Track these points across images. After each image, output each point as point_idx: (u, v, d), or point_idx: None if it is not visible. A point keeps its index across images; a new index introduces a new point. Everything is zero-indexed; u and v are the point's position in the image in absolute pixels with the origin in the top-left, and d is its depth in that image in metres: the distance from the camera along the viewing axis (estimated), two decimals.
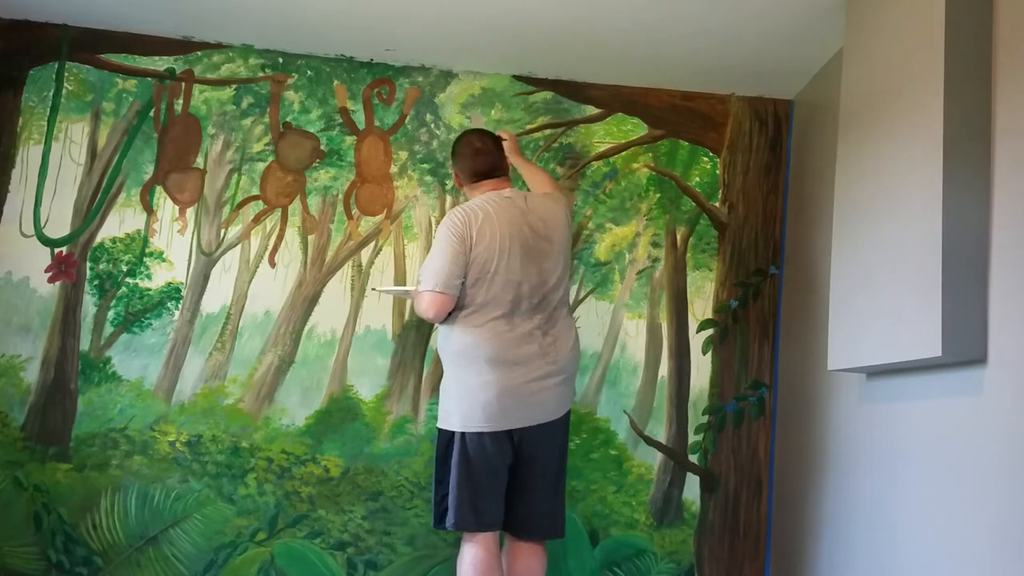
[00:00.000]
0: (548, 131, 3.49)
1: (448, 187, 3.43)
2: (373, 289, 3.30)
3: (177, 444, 3.22)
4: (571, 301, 3.39)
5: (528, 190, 2.95)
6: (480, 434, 2.57)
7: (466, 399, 2.59)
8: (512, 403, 2.57)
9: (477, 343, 2.60)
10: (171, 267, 3.32)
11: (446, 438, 2.64)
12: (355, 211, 3.41)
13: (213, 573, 3.16)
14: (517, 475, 2.65)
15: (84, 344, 3.24)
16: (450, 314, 2.66)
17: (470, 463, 2.57)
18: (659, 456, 3.36)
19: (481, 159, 2.82)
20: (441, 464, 2.65)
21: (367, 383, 3.32)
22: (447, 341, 2.68)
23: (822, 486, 2.87)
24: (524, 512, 2.63)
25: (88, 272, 3.28)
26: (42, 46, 3.34)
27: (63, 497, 3.14)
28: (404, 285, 3.36)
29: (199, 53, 3.41)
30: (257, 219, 3.38)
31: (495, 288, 2.62)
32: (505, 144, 3.06)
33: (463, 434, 2.59)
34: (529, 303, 2.64)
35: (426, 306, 2.63)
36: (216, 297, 3.32)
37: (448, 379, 2.68)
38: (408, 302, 3.35)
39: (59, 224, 3.29)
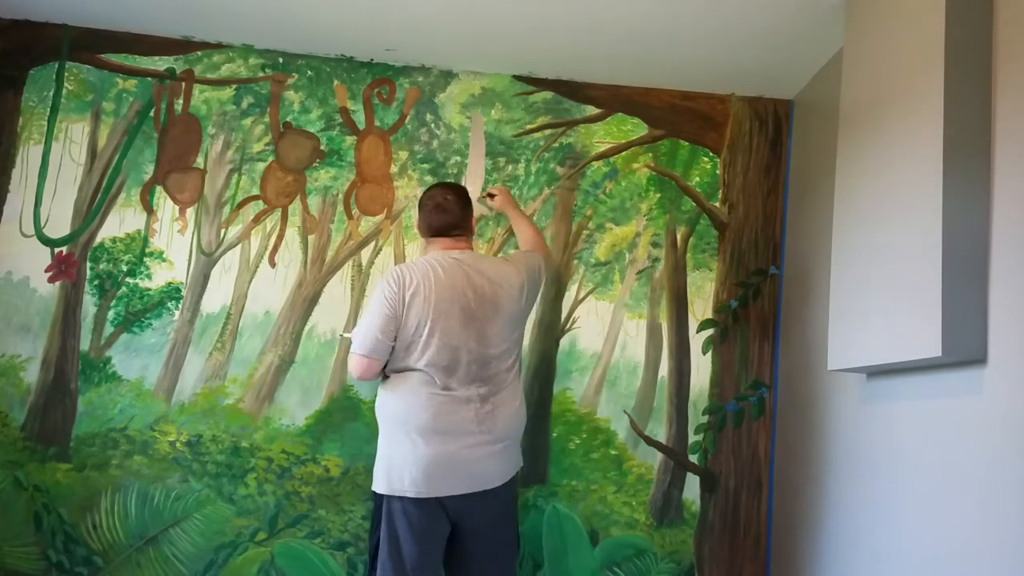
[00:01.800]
0: (548, 131, 3.49)
1: None
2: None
3: (177, 444, 3.22)
4: (572, 301, 3.41)
5: (483, 254, 2.93)
6: (404, 501, 2.52)
7: (395, 464, 2.55)
8: (441, 471, 2.52)
9: (410, 411, 2.55)
10: (171, 267, 3.32)
11: (377, 502, 2.61)
12: (355, 211, 3.41)
13: (213, 573, 3.16)
14: (458, 547, 2.60)
15: (84, 344, 3.24)
16: (386, 377, 2.65)
17: (397, 538, 2.52)
18: (659, 456, 3.36)
19: (439, 215, 2.78)
20: (375, 529, 2.61)
21: (367, 383, 3.32)
22: (382, 405, 2.65)
23: (822, 486, 2.86)
24: None
25: (88, 272, 3.28)
26: (42, 46, 3.34)
27: (63, 497, 3.14)
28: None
29: (199, 53, 3.41)
30: (257, 219, 3.38)
31: (430, 352, 2.57)
32: (497, 198, 3.13)
33: (389, 504, 2.54)
34: (468, 370, 2.59)
35: (352, 367, 2.65)
36: (216, 297, 3.32)
37: (381, 443, 2.64)
38: None
39: (59, 224, 3.28)
